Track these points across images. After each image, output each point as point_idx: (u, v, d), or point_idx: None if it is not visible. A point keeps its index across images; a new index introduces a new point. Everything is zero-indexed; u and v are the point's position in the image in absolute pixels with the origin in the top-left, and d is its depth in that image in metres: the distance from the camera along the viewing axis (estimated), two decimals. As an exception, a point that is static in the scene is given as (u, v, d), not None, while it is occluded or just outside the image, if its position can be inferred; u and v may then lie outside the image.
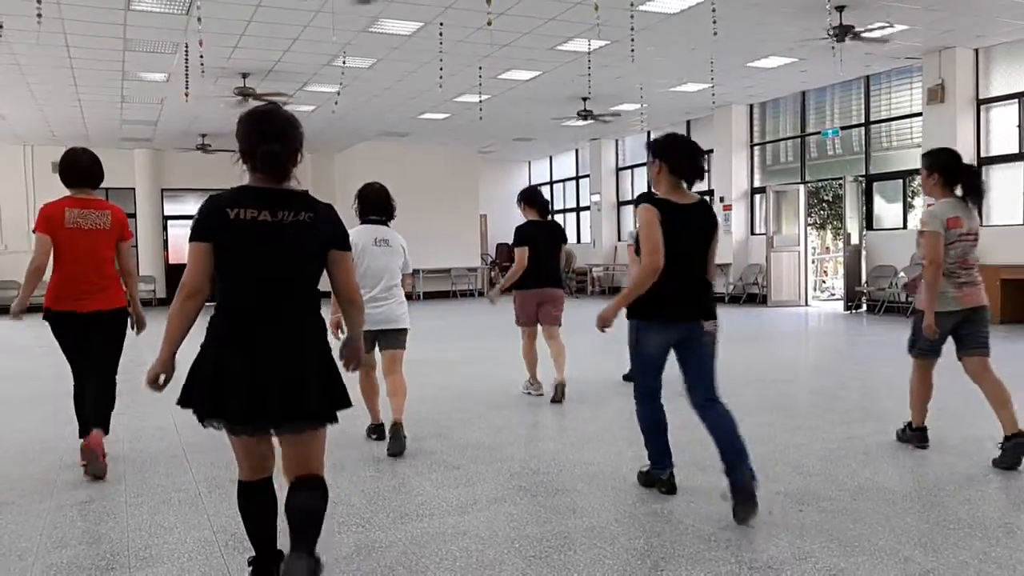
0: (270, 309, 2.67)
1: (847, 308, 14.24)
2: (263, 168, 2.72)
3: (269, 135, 2.71)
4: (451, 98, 14.62)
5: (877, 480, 4.19)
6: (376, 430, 5.30)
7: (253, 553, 2.89)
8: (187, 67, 11.31)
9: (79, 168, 4.66)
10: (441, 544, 3.41)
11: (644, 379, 3.98)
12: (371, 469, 4.64)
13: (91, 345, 4.61)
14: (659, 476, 4.04)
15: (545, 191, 24.74)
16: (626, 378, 6.92)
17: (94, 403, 4.60)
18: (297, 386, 2.64)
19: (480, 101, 14.45)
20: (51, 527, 3.74)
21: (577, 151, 22.99)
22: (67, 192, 4.67)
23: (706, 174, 4.13)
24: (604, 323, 3.79)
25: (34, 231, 4.58)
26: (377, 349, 5.14)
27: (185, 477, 4.55)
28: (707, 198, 4.17)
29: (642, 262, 3.70)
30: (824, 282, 19.92)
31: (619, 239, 21.13)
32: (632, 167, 20.74)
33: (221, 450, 5.12)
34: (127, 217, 4.87)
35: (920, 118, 13.09)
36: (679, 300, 3.76)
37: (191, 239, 2.70)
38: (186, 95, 12.33)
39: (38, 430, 5.90)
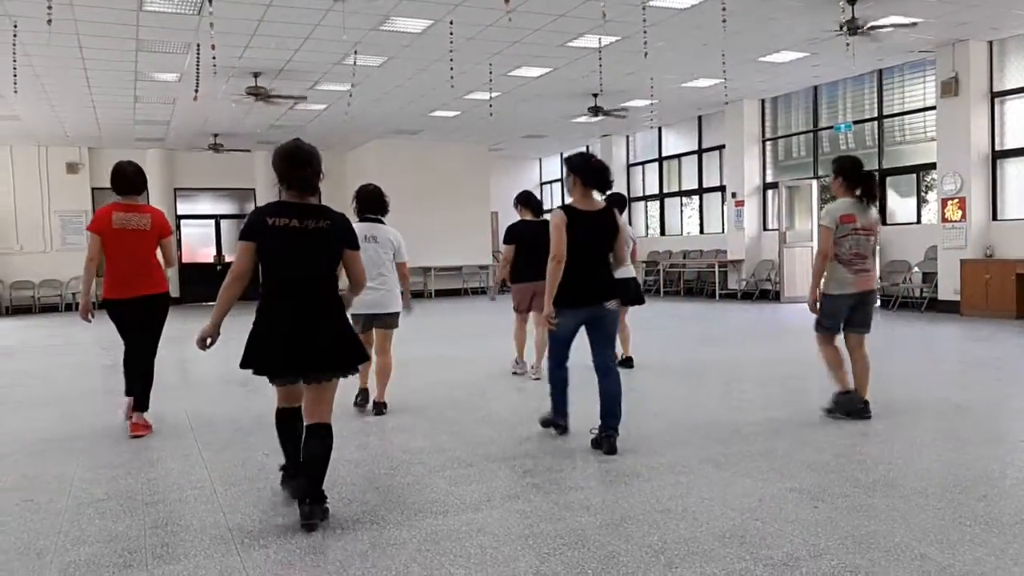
0: (301, 291, 3.63)
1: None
2: (298, 188, 3.65)
3: (299, 163, 3.64)
4: (461, 95, 14.62)
5: (891, 476, 4.17)
6: (361, 394, 6.19)
7: (283, 461, 4.04)
8: (198, 67, 11.37)
9: (124, 178, 5.55)
10: (456, 541, 3.42)
11: (557, 351, 4.94)
12: (385, 467, 4.66)
13: (137, 325, 5.60)
14: (556, 421, 5.15)
15: (556, 188, 24.75)
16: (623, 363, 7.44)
17: (135, 381, 5.64)
18: (316, 349, 3.60)
19: (490, 98, 14.45)
20: (69, 525, 3.77)
21: (587, 147, 22.94)
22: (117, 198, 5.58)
23: (612, 183, 5.14)
24: (548, 318, 4.68)
25: (87, 229, 5.53)
26: (373, 330, 6.06)
27: (200, 474, 4.58)
28: (614, 205, 5.43)
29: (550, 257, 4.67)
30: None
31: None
32: (643, 163, 20.69)
33: (235, 447, 5.17)
34: (165, 218, 5.80)
35: (934, 112, 12.99)
36: (585, 289, 4.75)
37: (240, 238, 3.65)
38: (195, 95, 12.41)
39: (53, 429, 5.95)
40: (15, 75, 10.92)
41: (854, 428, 5.22)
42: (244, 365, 3.66)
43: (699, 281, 18.27)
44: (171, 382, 7.86)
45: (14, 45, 9.95)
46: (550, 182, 25.23)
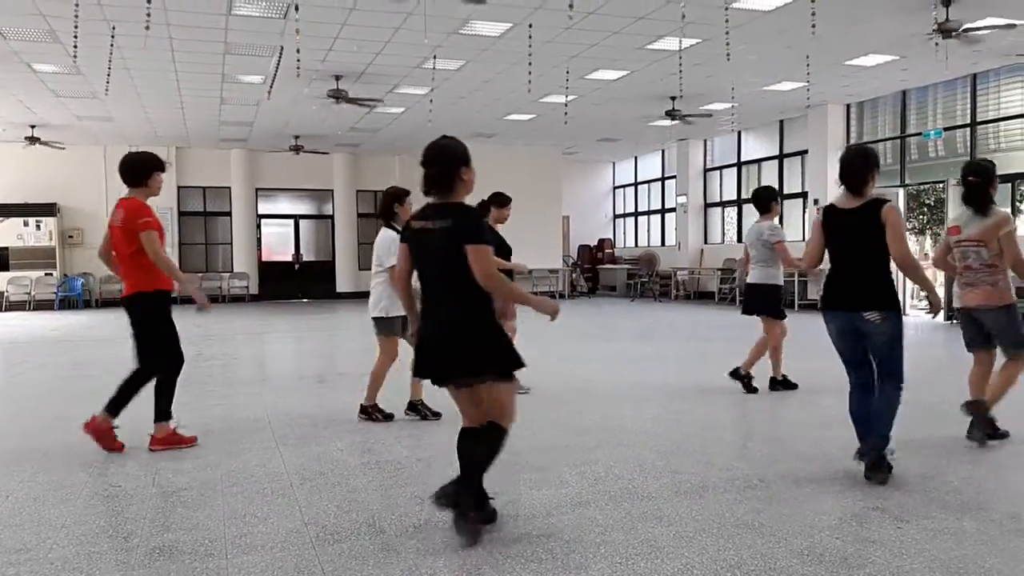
0: (436, 293, 3.58)
1: (947, 318, 13.61)
2: (424, 188, 3.55)
3: (426, 162, 3.54)
4: (537, 99, 14.63)
5: (981, 499, 3.99)
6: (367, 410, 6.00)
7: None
8: (277, 68, 11.67)
9: (120, 168, 5.13)
10: (527, 545, 3.41)
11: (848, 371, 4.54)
12: (455, 467, 4.67)
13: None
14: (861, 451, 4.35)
15: (628, 192, 24.55)
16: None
17: (159, 394, 5.20)
18: (453, 351, 3.49)
19: (566, 101, 14.42)
20: (154, 512, 3.91)
21: (663, 152, 22.68)
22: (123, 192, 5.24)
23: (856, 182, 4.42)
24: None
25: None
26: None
27: (278, 468, 4.68)
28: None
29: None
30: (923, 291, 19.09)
31: (705, 241, 20.76)
32: (721, 168, 20.34)
33: (312, 444, 5.28)
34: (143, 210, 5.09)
35: (1032, 118, 12.41)
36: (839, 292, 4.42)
37: (400, 240, 3.75)
38: (268, 94, 12.77)
39: (138, 419, 6.16)
40: (108, 77, 11.41)
41: (942, 448, 5.01)
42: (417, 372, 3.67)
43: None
44: (249, 378, 8.08)
45: (111, 48, 10.40)
46: (623, 186, 25.03)
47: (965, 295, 5.13)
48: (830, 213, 4.49)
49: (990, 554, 3.26)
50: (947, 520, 3.67)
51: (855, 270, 4.33)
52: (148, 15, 8.37)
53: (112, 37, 10.08)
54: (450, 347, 3.48)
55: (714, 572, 3.12)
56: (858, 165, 4.35)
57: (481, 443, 3.51)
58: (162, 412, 5.14)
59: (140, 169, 5.10)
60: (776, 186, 18.35)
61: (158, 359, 5.12)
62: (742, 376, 7.09)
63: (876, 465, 4.24)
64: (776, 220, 7.26)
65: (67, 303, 19.16)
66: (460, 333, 3.48)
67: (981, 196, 5.05)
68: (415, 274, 3.68)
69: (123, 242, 4.99)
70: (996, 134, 13.63)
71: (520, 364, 3.57)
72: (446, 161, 3.51)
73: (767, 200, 7.19)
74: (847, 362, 4.50)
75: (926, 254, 21.96)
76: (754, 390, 7.01)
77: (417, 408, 6.04)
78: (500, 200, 6.99)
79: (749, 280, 7.39)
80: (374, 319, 5.93)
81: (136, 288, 5.02)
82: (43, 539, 3.54)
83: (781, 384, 7.13)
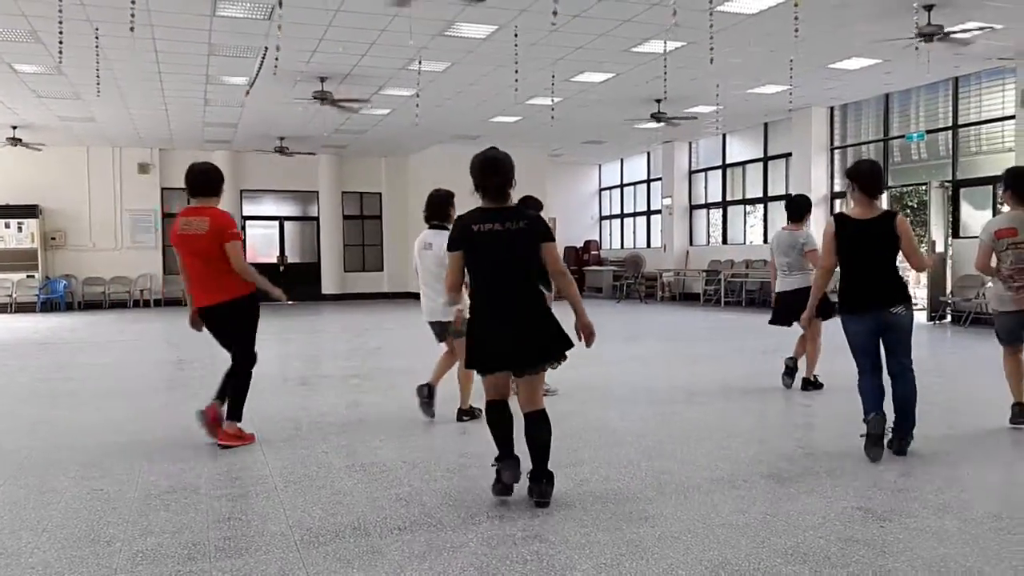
0: (506, 289, 3.93)
1: (931, 319, 13.73)
2: (493, 195, 3.95)
3: (491, 171, 3.94)
4: (523, 101, 14.64)
5: (964, 498, 4.02)
6: (468, 412, 5.96)
7: (497, 453, 4.07)
8: (260, 68, 11.62)
9: (190, 178, 5.32)
10: (512, 546, 3.40)
11: (858, 361, 4.87)
12: (442, 469, 4.68)
13: (216, 334, 5.43)
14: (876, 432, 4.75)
15: (615, 194, 24.62)
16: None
17: (225, 386, 5.33)
18: (526, 343, 3.91)
19: (552, 104, 14.44)
20: (136, 515, 3.88)
21: (649, 154, 22.76)
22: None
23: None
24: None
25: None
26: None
27: (262, 471, 4.66)
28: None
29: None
30: (905, 291, 19.22)
31: (691, 243, 20.84)
32: (706, 170, 20.43)
33: (296, 446, 5.25)
34: (228, 219, 5.28)
35: (1013, 121, 12.53)
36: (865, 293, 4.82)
37: (450, 249, 4.00)
38: (247, 92, 12.75)
39: (122, 422, 6.13)
40: (98, 78, 11.32)
41: (926, 448, 5.05)
42: (469, 365, 4.06)
43: (762, 292, 17.94)
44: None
45: (96, 49, 10.32)
46: (609, 188, 25.10)
47: (1021, 298, 5.27)
48: (846, 223, 4.85)
49: (972, 553, 3.29)
50: (929, 519, 3.70)
51: (879, 273, 4.76)
52: (132, 16, 8.31)
53: (96, 38, 10.01)
54: (530, 336, 3.90)
55: (699, 572, 3.13)
56: (878, 177, 4.87)
57: (545, 428, 3.98)
58: (238, 411, 5.27)
59: (218, 180, 5.30)
60: (760, 188, 18.49)
61: (253, 357, 5.35)
62: (812, 381, 7.07)
63: (908, 442, 4.81)
64: (808, 229, 7.25)
65: (49, 305, 19.00)
66: (537, 323, 3.92)
67: None
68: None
69: (212, 249, 5.09)
70: (977, 137, 13.77)
71: (570, 344, 3.99)
72: (506, 172, 3.97)
73: (804, 209, 7.20)
74: (864, 353, 4.85)
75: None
76: (820, 386, 7.05)
77: (472, 412, 5.92)
78: (537, 204, 7.03)
79: (784, 288, 7.19)
80: (448, 323, 5.68)
81: (237, 293, 5.18)
82: (23, 543, 3.51)
83: (812, 384, 7.11)
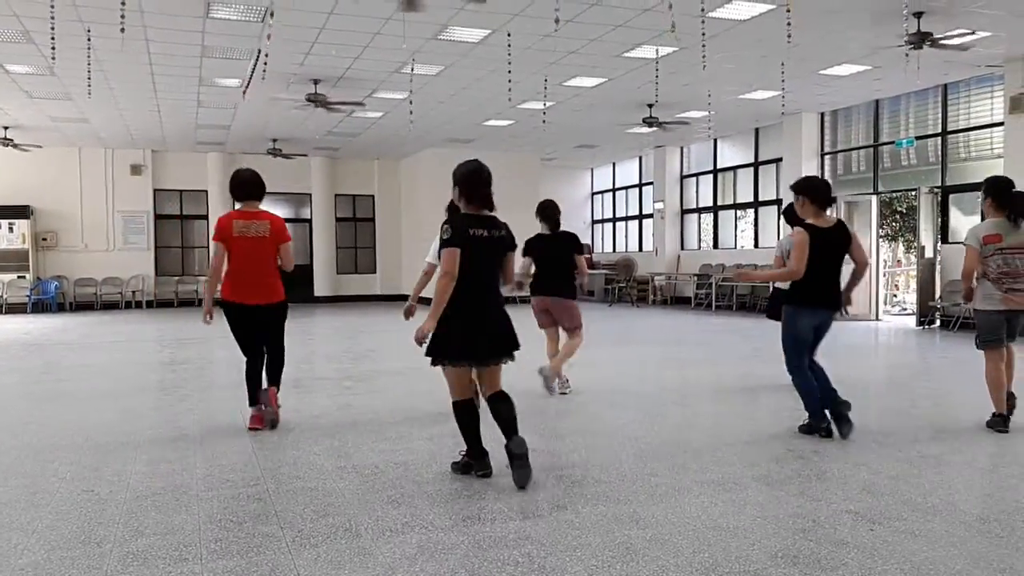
0: (487, 290, 4.38)
1: (920, 323, 13.82)
2: (481, 203, 4.39)
3: (483, 183, 4.40)
4: (516, 105, 14.68)
5: (952, 500, 4.06)
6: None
7: (465, 448, 4.55)
8: (254, 70, 11.62)
9: (242, 185, 5.80)
10: (503, 549, 3.42)
11: (798, 356, 5.43)
12: (434, 471, 4.68)
13: (262, 328, 5.80)
14: (819, 425, 5.46)
15: (607, 198, 24.67)
16: None
17: (268, 366, 5.85)
18: (499, 336, 4.38)
19: (544, 108, 14.48)
20: (127, 516, 3.87)
21: (641, 158, 22.82)
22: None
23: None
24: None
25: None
26: None
27: (254, 472, 4.66)
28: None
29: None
30: (895, 296, 19.34)
31: (682, 247, 20.89)
32: (697, 175, 20.50)
33: (288, 448, 5.26)
34: (284, 224, 5.90)
35: (1001, 128, 12.63)
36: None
37: (450, 245, 4.22)
38: (243, 93, 12.75)
39: (113, 423, 6.11)
40: (89, 79, 11.30)
41: (912, 451, 5.09)
42: (442, 356, 4.31)
43: (752, 296, 18.01)
44: (225, 382, 8.02)
45: (88, 50, 10.31)
46: (601, 192, 25.15)
47: (1011, 298, 5.59)
48: (815, 232, 5.29)
49: (960, 556, 3.32)
50: (918, 522, 3.73)
51: (834, 277, 5.37)
52: (123, 16, 8.30)
53: (88, 39, 9.99)
54: (508, 330, 4.41)
55: (689, 574, 3.15)
56: (830, 190, 5.48)
57: (510, 403, 4.42)
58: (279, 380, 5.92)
59: (264, 186, 5.88)
60: (751, 193, 18.57)
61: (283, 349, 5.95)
62: None
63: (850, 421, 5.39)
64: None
65: (40, 306, 18.92)
66: (506, 320, 4.42)
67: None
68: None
69: (272, 251, 5.69)
70: (966, 143, 13.86)
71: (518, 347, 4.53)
72: (491, 183, 4.43)
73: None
74: (804, 350, 5.45)
75: (899, 260, 22.29)
76: None
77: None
78: (557, 209, 7.35)
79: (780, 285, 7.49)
80: None
81: (279, 297, 5.78)
82: (13, 544, 3.50)
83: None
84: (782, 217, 7.95)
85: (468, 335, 4.28)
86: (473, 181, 4.37)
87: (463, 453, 4.62)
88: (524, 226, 19.38)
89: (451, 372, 4.39)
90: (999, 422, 5.62)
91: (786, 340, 5.45)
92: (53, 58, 10.05)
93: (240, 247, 5.59)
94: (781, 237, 7.58)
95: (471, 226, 4.29)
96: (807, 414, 5.50)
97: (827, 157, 16.58)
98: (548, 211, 7.19)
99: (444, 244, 4.23)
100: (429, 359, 4.36)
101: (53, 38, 9.15)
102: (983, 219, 5.96)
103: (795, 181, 5.62)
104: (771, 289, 7.91)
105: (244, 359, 5.80)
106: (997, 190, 5.75)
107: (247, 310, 5.62)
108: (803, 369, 5.41)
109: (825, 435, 5.36)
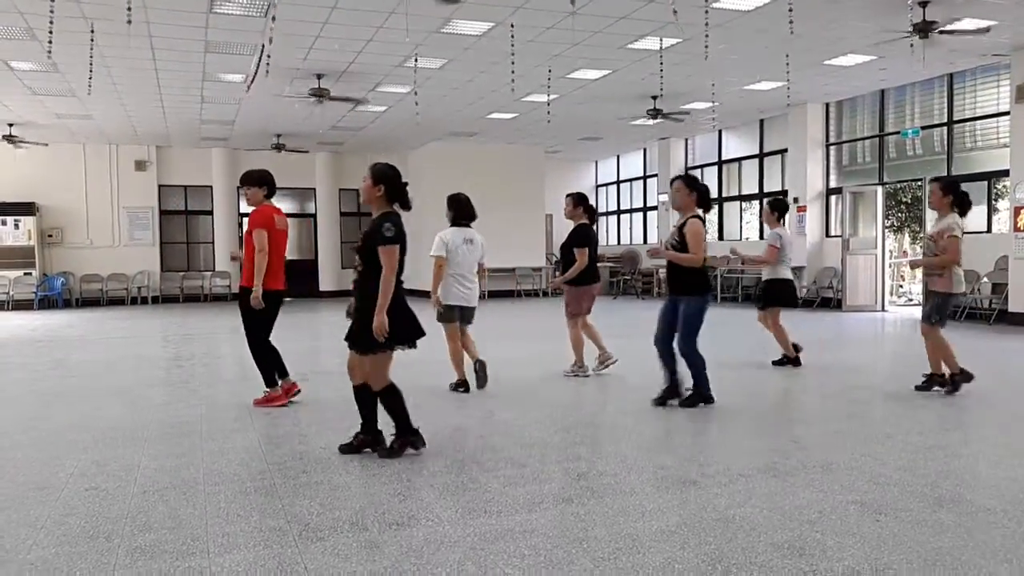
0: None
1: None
2: (406, 207, 4.79)
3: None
4: (520, 98, 14.65)
5: (959, 491, 4.05)
6: (462, 384, 6.86)
7: (359, 430, 4.89)
8: (258, 66, 11.62)
9: (268, 180, 6.31)
10: (509, 541, 3.42)
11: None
12: (440, 464, 4.69)
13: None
14: (708, 394, 6.26)
15: (611, 191, 24.63)
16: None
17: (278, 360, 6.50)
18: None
19: (548, 101, 14.45)
20: (135, 511, 3.89)
21: (645, 150, 22.77)
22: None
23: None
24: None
25: (258, 227, 6.15)
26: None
27: (260, 466, 4.67)
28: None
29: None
30: (901, 287, 19.28)
31: (687, 240, 20.81)
32: (702, 167, 20.44)
33: (294, 441, 5.27)
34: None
35: (1008, 117, 12.56)
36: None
37: (395, 242, 4.54)
38: (248, 87, 12.73)
39: (119, 418, 6.13)
40: (91, 76, 11.31)
41: (919, 441, 5.08)
42: (415, 337, 4.70)
43: (757, 288, 17.95)
44: (231, 376, 8.04)
45: (91, 46, 10.31)
46: (605, 184, 25.10)
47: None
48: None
49: (967, 546, 3.31)
50: (924, 513, 3.72)
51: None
52: (129, 9, 8.29)
53: (91, 35, 9.99)
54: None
55: (695, 566, 3.15)
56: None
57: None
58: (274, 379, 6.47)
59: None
60: (756, 184, 18.52)
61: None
62: (787, 359, 8.02)
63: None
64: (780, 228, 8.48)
65: (47, 302, 18.98)
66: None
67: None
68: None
69: (283, 244, 6.35)
70: (972, 133, 13.80)
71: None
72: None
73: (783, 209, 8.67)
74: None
75: (905, 251, 22.22)
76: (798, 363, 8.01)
77: (465, 384, 6.93)
78: (586, 200, 7.92)
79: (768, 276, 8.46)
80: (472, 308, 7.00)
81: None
82: (22, 540, 3.52)
83: (788, 361, 8.13)
84: (776, 212, 8.56)
85: (410, 318, 4.69)
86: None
87: (358, 435, 4.88)
88: (531, 218, 19.33)
89: (387, 358, 4.67)
90: (947, 382, 6.65)
91: (695, 324, 6.06)
92: (49, 53, 10.06)
93: (279, 239, 6.27)
94: (774, 229, 8.27)
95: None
96: (689, 390, 6.17)
97: (832, 147, 16.52)
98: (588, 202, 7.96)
99: (389, 241, 4.49)
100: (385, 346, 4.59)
101: (54, 33, 9.15)
102: (989, 209, 6.23)
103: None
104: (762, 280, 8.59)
105: (249, 351, 6.35)
106: (960, 192, 6.57)
107: (281, 295, 6.33)
108: (697, 348, 6.13)
109: (711, 401, 6.12)
